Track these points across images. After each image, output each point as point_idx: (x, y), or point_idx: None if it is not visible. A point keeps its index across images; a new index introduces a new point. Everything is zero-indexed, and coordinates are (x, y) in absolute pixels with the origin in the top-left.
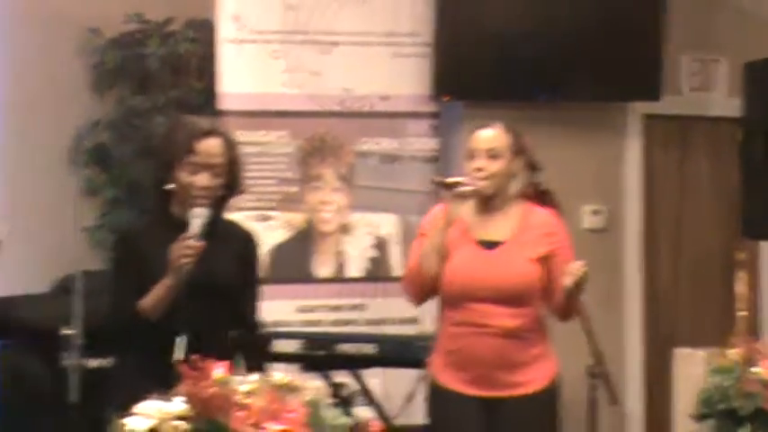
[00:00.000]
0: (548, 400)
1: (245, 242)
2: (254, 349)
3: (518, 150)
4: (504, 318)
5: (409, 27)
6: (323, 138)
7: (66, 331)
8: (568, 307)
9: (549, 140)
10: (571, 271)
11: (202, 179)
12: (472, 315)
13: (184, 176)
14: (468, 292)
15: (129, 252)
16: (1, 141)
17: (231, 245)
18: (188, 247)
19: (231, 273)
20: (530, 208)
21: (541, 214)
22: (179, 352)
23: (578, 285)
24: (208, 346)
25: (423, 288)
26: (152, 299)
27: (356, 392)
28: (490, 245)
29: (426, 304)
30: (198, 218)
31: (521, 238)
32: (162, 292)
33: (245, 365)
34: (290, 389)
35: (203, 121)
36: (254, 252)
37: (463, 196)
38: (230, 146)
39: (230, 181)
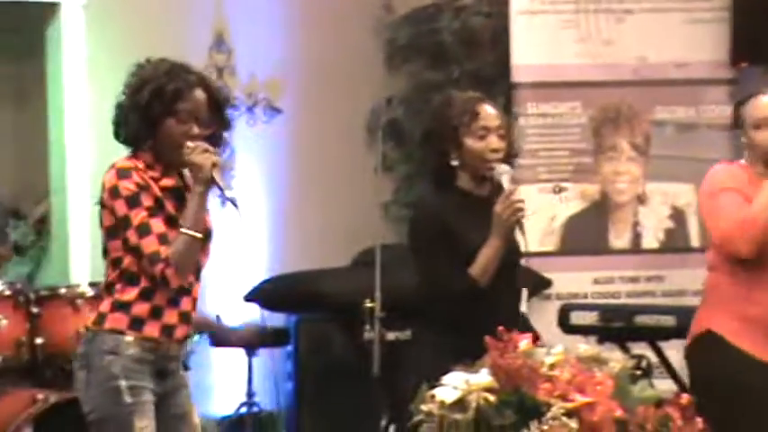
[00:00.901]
0: None
1: None
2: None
3: None
4: None
5: None
6: (617, 107)
7: (366, 304)
8: None
9: None
10: None
11: (493, 141)
12: None
13: (473, 142)
14: None
15: (439, 227)
16: (300, 119)
17: None
18: (517, 201)
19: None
20: None
21: None
22: (524, 304)
23: None
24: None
25: (756, 239)
26: (481, 264)
27: (654, 365)
28: None
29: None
30: (506, 174)
31: None
32: (491, 255)
33: None
34: (595, 361)
35: (479, 96)
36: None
37: None
38: (501, 111)
39: (509, 145)
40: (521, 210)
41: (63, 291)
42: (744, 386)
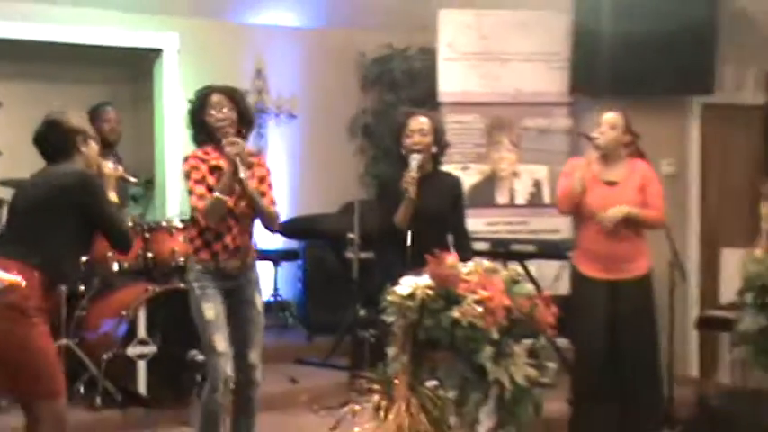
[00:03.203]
0: (647, 281)
1: (454, 185)
2: (465, 248)
3: (627, 129)
4: (620, 226)
5: (555, 48)
6: (500, 118)
7: (349, 235)
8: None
9: (643, 120)
10: (610, 214)
11: (415, 138)
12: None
13: (405, 140)
14: (600, 211)
15: (388, 191)
16: (308, 122)
17: (445, 187)
18: (411, 178)
19: (442, 206)
20: (633, 160)
21: (640, 164)
22: (409, 244)
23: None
24: (425, 248)
25: (571, 205)
26: (399, 214)
27: (523, 275)
28: (611, 183)
29: (564, 222)
30: (414, 160)
31: (629, 179)
32: (403, 208)
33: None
34: (493, 271)
35: (417, 110)
36: (461, 191)
37: (597, 147)
38: (434, 119)
39: (437, 142)
40: (409, 184)
41: (163, 224)
42: (583, 295)
